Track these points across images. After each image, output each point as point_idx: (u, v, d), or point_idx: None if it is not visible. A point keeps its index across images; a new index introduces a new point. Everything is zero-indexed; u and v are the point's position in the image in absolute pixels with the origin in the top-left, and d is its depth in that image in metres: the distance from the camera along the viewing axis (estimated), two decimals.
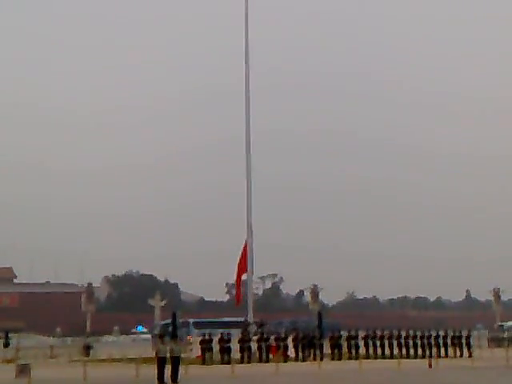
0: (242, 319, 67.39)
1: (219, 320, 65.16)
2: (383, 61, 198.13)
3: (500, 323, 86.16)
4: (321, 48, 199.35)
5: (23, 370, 31.69)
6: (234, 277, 50.93)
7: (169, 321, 78.73)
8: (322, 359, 41.14)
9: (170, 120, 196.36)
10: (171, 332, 49.90)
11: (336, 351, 44.34)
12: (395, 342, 45.96)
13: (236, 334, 44.12)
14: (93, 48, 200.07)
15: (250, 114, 51.41)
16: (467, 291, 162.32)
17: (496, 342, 63.48)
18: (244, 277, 54.13)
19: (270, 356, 42.14)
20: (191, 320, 75.70)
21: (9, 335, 74.42)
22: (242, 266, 49.47)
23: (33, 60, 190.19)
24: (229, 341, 41.87)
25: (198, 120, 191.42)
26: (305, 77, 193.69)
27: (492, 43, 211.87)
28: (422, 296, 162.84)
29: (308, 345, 44.19)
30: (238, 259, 49.66)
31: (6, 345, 69.35)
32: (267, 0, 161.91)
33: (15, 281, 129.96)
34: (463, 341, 47.23)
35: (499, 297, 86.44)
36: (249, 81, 51.89)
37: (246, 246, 49.44)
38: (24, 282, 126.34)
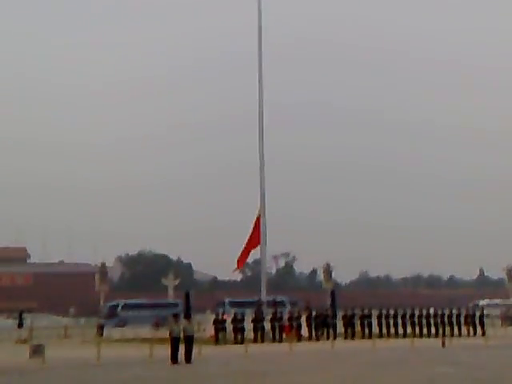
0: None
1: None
2: (403, 33, 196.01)
3: (476, 302, 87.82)
4: (336, 20, 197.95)
5: (37, 350, 31.84)
6: (243, 246, 50.29)
7: (116, 302, 78.96)
8: (335, 338, 41.24)
9: (183, 91, 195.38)
10: (184, 311, 49.99)
11: (349, 330, 44.43)
12: (408, 321, 46.01)
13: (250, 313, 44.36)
14: (102, 19, 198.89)
15: (263, 86, 51.17)
16: (480, 269, 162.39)
17: (509, 320, 63.62)
18: (257, 255, 54.30)
19: (284, 335, 42.28)
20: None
21: (22, 315, 74.85)
22: (254, 238, 49.31)
23: (34, 34, 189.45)
24: (242, 320, 42.01)
25: (211, 91, 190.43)
26: (321, 49, 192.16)
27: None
28: (435, 274, 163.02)
29: (321, 324, 44.30)
30: (250, 231, 49.57)
31: (20, 325, 69.78)
32: None
33: (29, 260, 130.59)
34: (476, 319, 47.25)
35: None
36: (261, 51, 51.70)
37: (258, 219, 49.36)
38: (37, 261, 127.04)
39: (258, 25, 51.90)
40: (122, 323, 70.60)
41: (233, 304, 70.85)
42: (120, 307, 76.94)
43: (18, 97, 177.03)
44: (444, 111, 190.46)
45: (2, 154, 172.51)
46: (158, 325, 57.55)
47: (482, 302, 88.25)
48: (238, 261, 50.93)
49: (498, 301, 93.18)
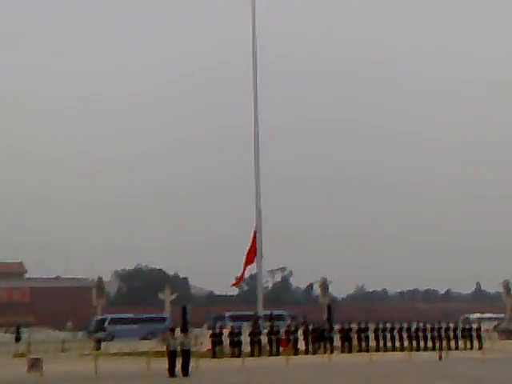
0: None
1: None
2: (398, 47, 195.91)
3: (467, 315, 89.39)
4: (332, 34, 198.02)
5: (35, 364, 31.86)
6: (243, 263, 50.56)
7: (104, 316, 78.99)
8: (332, 352, 41.19)
9: (176, 104, 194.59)
10: (181, 325, 49.91)
11: (346, 344, 44.42)
12: (405, 335, 46.02)
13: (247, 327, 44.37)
14: (88, 33, 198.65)
15: (257, 99, 51.31)
16: (477, 283, 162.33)
17: (506, 333, 63.73)
18: (253, 270, 54.50)
19: (281, 349, 42.26)
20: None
21: (20, 330, 74.70)
22: (251, 254, 49.53)
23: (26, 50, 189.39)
24: (239, 334, 42.00)
25: (208, 104, 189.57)
26: (315, 63, 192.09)
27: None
28: (432, 289, 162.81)
29: (318, 338, 44.30)
30: (248, 247, 49.77)
31: (18, 339, 69.63)
32: None
33: (26, 276, 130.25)
34: (473, 333, 47.30)
35: (509, 289, 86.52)
36: (256, 65, 51.86)
37: (255, 236, 49.56)
38: (35, 276, 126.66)
39: (253, 38, 52.10)
40: (110, 337, 70.44)
41: (233, 318, 70.83)
42: (107, 321, 76.79)
43: (16, 109, 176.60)
44: (445, 126, 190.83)
45: (2, 168, 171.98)
46: (164, 339, 56.81)
47: (473, 316, 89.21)
48: (239, 276, 51.27)
49: (488, 315, 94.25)
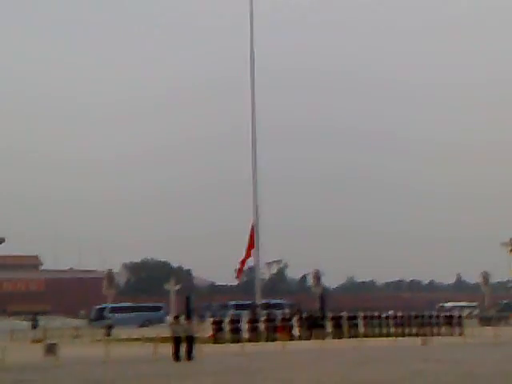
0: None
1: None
2: (395, 53, 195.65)
3: (441, 304, 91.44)
4: (329, 39, 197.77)
5: (51, 349, 31.95)
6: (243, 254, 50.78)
7: (104, 305, 78.79)
8: (324, 338, 41.34)
9: (182, 107, 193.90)
10: (186, 313, 50.02)
11: (337, 330, 44.59)
12: (391, 322, 46.20)
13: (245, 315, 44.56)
14: (89, 39, 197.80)
15: (255, 101, 51.45)
16: (458, 275, 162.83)
17: (485, 320, 64.02)
18: (252, 262, 54.72)
19: (277, 335, 42.43)
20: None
21: (37, 317, 74.79)
22: (249, 248, 49.65)
23: (32, 51, 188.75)
24: (239, 321, 42.20)
25: (210, 108, 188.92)
26: (311, 72, 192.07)
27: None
28: (416, 279, 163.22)
29: (311, 324, 44.49)
30: (248, 240, 49.92)
31: (35, 326, 69.72)
32: None
33: (41, 268, 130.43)
34: (454, 320, 47.50)
35: (487, 280, 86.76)
36: (254, 66, 51.98)
37: (252, 230, 49.64)
38: (50, 268, 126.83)
39: (250, 45, 52.25)
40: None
41: (237, 306, 71.37)
42: (107, 310, 76.72)
43: (19, 109, 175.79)
44: (437, 127, 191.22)
45: (20, 169, 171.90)
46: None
47: (447, 305, 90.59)
48: (238, 270, 51.40)
49: (462, 303, 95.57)
